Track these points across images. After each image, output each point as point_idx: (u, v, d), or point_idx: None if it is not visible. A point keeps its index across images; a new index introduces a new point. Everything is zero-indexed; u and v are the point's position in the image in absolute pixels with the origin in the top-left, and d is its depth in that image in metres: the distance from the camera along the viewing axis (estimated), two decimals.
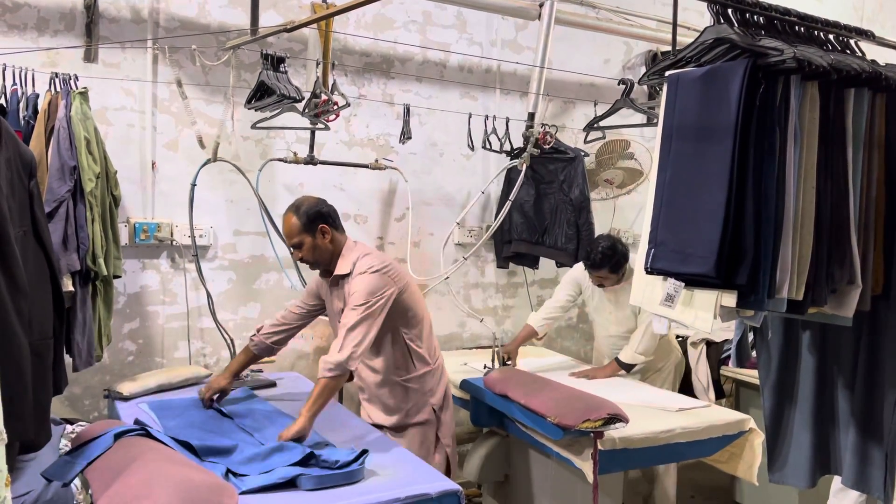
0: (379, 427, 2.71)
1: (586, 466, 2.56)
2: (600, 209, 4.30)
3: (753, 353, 2.20)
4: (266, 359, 2.98)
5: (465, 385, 3.22)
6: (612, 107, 3.68)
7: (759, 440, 2.80)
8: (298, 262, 2.67)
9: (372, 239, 3.88)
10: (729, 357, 3.62)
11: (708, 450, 2.82)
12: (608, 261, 3.31)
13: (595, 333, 3.82)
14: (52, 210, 2.61)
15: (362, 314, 2.49)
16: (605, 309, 3.60)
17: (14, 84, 2.79)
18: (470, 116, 3.80)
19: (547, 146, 3.72)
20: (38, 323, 1.80)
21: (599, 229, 3.96)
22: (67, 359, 2.60)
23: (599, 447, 2.53)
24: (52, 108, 2.73)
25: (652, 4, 4.50)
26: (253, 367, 3.11)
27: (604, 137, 3.97)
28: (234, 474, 2.07)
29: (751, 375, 3.42)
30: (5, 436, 1.35)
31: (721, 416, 2.90)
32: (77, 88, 2.81)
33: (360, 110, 3.80)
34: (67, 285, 2.63)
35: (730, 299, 1.59)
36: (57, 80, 2.79)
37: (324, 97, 3.16)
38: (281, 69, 3.04)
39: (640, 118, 3.71)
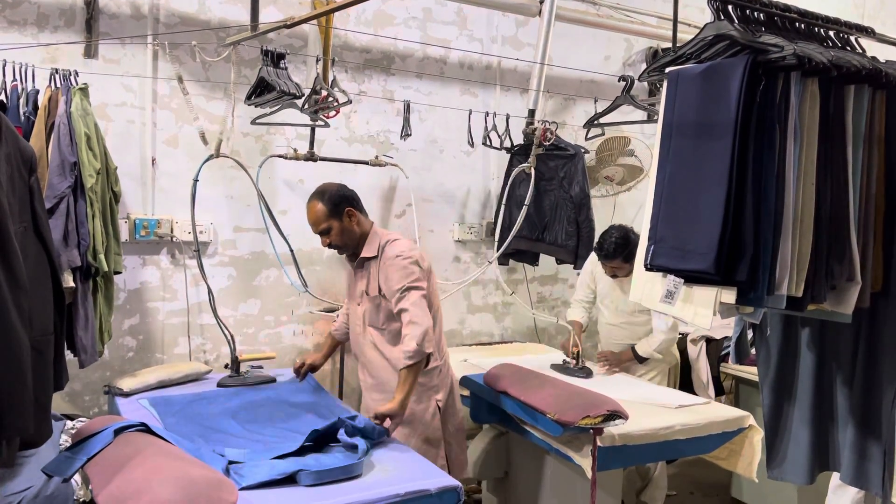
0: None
1: (585, 463, 2.56)
2: (600, 206, 4.29)
3: (753, 350, 2.20)
4: (265, 354, 2.99)
5: (464, 381, 3.22)
6: (612, 103, 3.68)
7: (758, 437, 2.80)
8: (326, 248, 2.74)
9: None
10: (728, 354, 3.64)
11: (707, 446, 2.83)
12: (621, 250, 3.36)
13: (599, 319, 3.84)
14: (53, 206, 2.61)
15: (412, 300, 2.55)
16: (611, 296, 3.65)
17: (14, 80, 2.79)
18: (470, 113, 3.80)
19: (547, 143, 3.72)
20: (39, 319, 1.80)
21: (599, 226, 3.95)
22: (69, 355, 2.61)
23: (599, 444, 2.53)
24: (53, 104, 2.73)
25: (652, 1, 4.50)
26: (253, 363, 3.14)
27: (604, 134, 3.97)
28: (234, 468, 2.07)
29: (750, 372, 3.43)
30: None
31: (720, 412, 2.91)
32: (77, 84, 2.81)
33: (360, 107, 3.79)
34: (68, 281, 2.64)
35: (729, 296, 1.59)
36: (57, 76, 2.79)
37: (324, 93, 3.16)
38: (281, 65, 3.05)
39: (640, 115, 3.70)
